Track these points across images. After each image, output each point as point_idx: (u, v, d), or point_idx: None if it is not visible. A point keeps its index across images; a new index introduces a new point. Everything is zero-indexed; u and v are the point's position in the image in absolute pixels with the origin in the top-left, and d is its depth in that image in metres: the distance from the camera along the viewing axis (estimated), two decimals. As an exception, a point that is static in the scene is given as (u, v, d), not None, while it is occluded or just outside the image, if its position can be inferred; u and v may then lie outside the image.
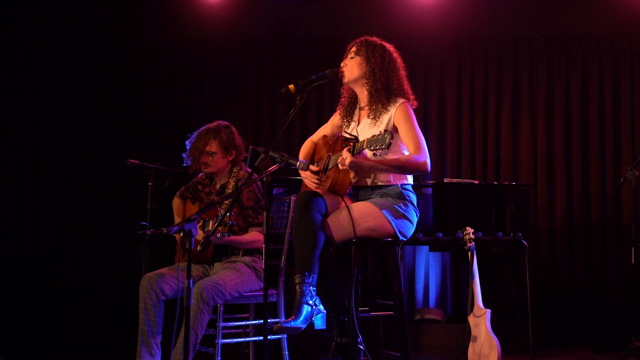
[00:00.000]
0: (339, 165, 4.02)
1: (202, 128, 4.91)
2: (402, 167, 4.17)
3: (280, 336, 4.74)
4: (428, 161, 4.19)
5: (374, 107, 4.35)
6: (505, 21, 6.82)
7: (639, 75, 6.67)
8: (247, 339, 4.80)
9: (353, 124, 4.49)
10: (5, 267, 6.93)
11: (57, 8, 6.97)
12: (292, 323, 3.77)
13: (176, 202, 5.08)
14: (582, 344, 6.23)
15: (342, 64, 4.45)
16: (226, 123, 4.95)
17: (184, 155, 4.90)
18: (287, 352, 4.77)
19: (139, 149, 6.96)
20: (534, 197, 6.64)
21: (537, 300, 6.54)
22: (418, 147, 4.21)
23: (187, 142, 4.92)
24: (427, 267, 6.77)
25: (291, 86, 4.10)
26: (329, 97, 6.89)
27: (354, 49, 4.44)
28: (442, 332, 6.47)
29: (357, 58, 4.39)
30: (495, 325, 5.04)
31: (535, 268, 6.61)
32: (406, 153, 4.27)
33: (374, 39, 4.47)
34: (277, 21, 7.02)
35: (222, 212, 4.33)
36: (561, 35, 6.77)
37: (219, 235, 4.32)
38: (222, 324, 4.54)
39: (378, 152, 3.91)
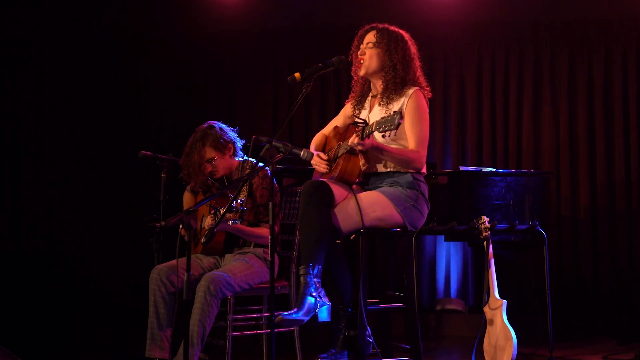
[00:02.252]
0: (354, 146, 3.93)
1: (188, 142, 4.80)
2: (401, 159, 4.10)
3: (292, 328, 4.69)
4: (424, 160, 4.17)
5: (387, 94, 4.27)
6: (526, 6, 6.65)
7: (665, 60, 6.50)
8: (256, 332, 4.73)
9: (364, 112, 4.41)
10: (23, 262, 6.98)
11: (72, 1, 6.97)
12: (294, 315, 3.71)
13: (187, 197, 4.98)
14: (606, 334, 6.09)
15: (359, 53, 4.35)
16: (207, 125, 4.81)
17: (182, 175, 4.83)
18: (299, 345, 4.73)
19: (155, 141, 6.94)
20: (557, 186, 6.52)
21: (560, 290, 6.40)
22: (419, 145, 4.14)
23: (180, 162, 4.84)
24: (448, 256, 6.68)
25: (297, 74, 4.02)
26: (347, 82, 6.76)
27: (372, 38, 4.33)
28: (463, 323, 6.38)
29: (376, 49, 4.29)
30: (516, 317, 4.94)
31: (559, 258, 6.48)
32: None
33: (394, 28, 4.37)
34: (293, 10, 6.93)
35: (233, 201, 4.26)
36: (583, 21, 6.59)
37: (230, 222, 4.28)
38: (232, 317, 4.50)
39: (387, 134, 3.85)
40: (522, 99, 6.67)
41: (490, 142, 6.69)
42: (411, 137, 4.15)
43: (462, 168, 5.41)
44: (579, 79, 6.59)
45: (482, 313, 4.68)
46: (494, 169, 5.43)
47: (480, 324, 4.64)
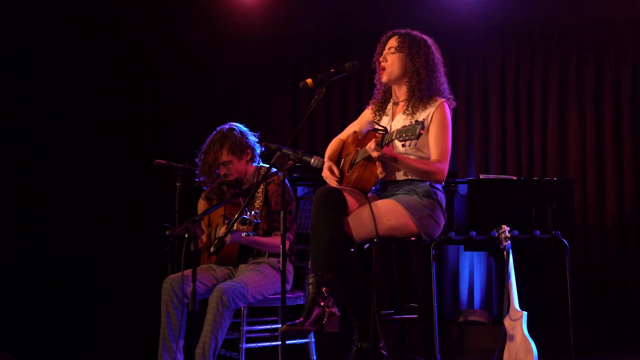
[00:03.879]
0: (371, 152, 3.85)
1: (207, 141, 4.76)
2: (422, 171, 3.99)
3: (307, 340, 4.61)
4: (446, 173, 4.05)
5: (412, 103, 4.16)
6: (551, 9, 6.55)
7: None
8: (267, 343, 4.65)
9: (386, 119, 4.30)
10: (44, 268, 6.97)
11: (94, 7, 6.94)
12: (300, 325, 3.61)
13: (201, 204, 4.92)
14: (635, 345, 5.95)
15: (380, 59, 4.26)
16: (228, 126, 4.77)
17: (196, 171, 4.79)
18: (315, 357, 4.64)
19: (176, 149, 6.91)
20: (583, 193, 6.38)
21: (587, 299, 6.27)
22: (442, 157, 4.03)
23: (196, 160, 4.80)
24: (472, 267, 6.55)
25: (309, 80, 3.94)
26: (368, 87, 6.66)
27: (394, 43, 4.22)
28: (487, 335, 6.22)
29: (399, 54, 4.19)
30: (541, 327, 4.81)
31: (586, 266, 6.35)
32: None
33: (416, 33, 4.27)
34: (314, 17, 6.87)
35: (246, 211, 4.19)
36: (610, 23, 6.46)
37: (244, 234, 4.21)
38: (246, 328, 4.43)
39: (407, 143, 3.76)
40: (548, 103, 6.54)
41: (514, 149, 6.57)
42: (434, 149, 4.05)
43: (481, 176, 5.29)
44: (606, 82, 6.46)
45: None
46: (514, 177, 5.31)
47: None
